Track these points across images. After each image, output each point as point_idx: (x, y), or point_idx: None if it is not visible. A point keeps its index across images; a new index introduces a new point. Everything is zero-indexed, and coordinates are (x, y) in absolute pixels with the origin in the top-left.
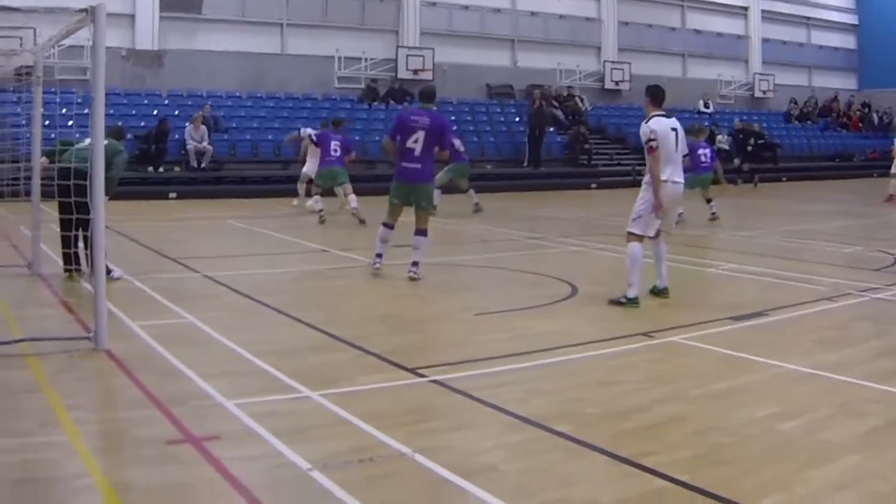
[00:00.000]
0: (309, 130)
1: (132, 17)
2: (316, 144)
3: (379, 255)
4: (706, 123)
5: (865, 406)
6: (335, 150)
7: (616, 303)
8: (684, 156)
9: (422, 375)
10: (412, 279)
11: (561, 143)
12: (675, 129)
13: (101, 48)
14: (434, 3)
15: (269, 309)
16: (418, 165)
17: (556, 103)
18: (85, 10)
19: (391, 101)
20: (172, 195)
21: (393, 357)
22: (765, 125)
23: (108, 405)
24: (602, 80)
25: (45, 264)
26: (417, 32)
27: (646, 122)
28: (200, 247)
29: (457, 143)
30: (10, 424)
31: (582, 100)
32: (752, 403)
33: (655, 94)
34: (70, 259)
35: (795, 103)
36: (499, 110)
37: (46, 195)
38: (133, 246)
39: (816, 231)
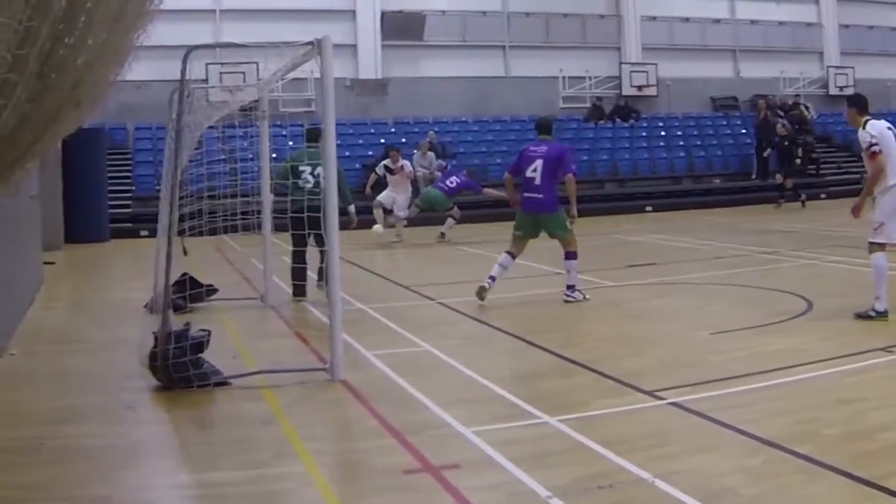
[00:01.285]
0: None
1: (354, 46)
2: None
3: (492, 278)
4: None
5: None
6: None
7: (865, 317)
8: None
9: (660, 398)
10: (567, 302)
11: (787, 155)
12: (890, 129)
13: (329, 80)
14: (654, 18)
15: (504, 334)
16: (540, 195)
17: (781, 113)
18: (311, 44)
19: (617, 119)
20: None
21: (630, 380)
22: None
23: (345, 435)
24: (826, 86)
25: (277, 296)
26: (639, 48)
27: (863, 129)
28: (432, 274)
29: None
30: (247, 455)
31: (807, 108)
32: None
33: (862, 103)
34: (301, 290)
35: None
36: (724, 123)
37: (277, 228)
38: (366, 275)
39: None
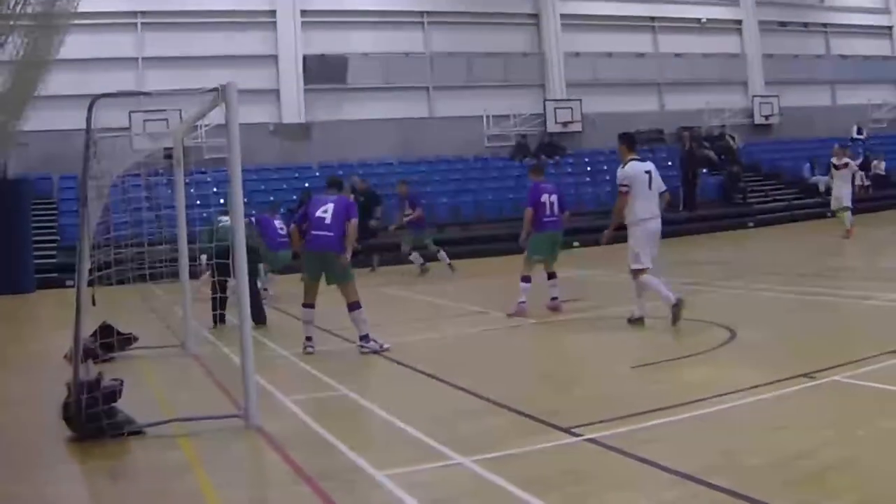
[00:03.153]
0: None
1: (277, 91)
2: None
3: (309, 339)
4: (859, 150)
5: None
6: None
7: (636, 321)
8: (661, 193)
9: (576, 435)
10: (363, 353)
11: (715, 185)
12: (648, 172)
13: (234, 126)
14: (578, 54)
15: (425, 376)
16: (330, 233)
17: (707, 144)
18: (215, 90)
19: (542, 156)
20: None
21: (547, 417)
22: None
23: (258, 483)
24: (751, 115)
25: (198, 343)
26: (563, 84)
27: (621, 168)
28: None
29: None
30: None
31: (733, 138)
32: None
33: (631, 141)
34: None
35: None
36: (650, 156)
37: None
38: (289, 320)
39: None
